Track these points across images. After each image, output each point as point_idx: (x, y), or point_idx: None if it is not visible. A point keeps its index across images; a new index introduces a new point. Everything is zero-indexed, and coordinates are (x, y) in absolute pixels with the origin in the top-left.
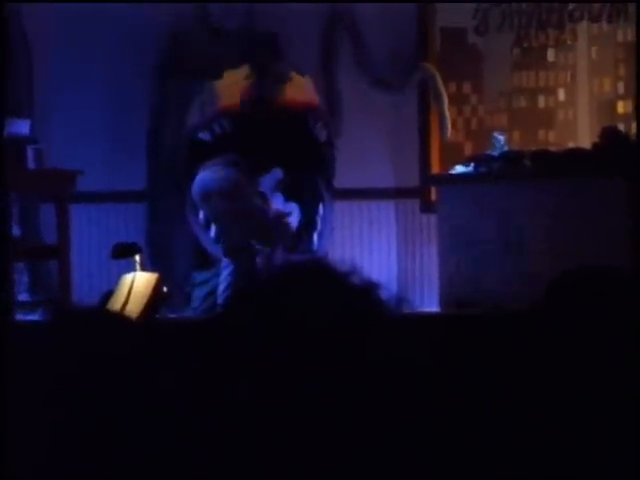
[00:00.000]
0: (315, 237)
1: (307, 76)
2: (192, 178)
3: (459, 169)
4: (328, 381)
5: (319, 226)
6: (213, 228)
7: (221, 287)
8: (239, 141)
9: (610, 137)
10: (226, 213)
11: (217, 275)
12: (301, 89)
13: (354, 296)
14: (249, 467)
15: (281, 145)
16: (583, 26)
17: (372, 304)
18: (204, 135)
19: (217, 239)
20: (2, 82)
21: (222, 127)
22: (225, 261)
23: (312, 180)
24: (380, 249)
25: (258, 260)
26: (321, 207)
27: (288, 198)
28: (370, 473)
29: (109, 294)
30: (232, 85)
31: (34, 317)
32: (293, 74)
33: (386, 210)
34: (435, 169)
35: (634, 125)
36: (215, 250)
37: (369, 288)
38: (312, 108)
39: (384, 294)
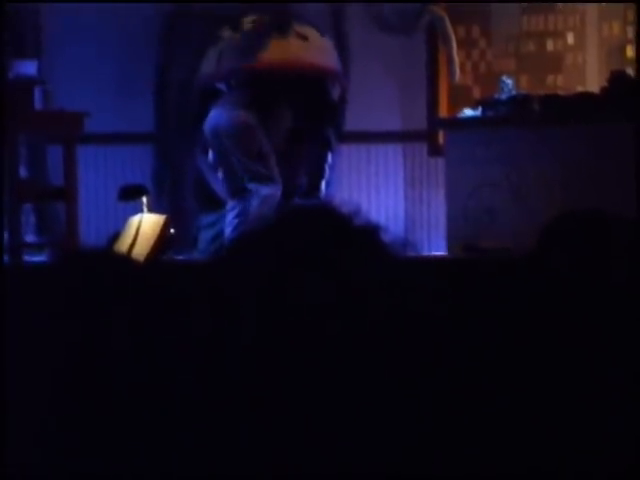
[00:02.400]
0: (323, 184)
1: (326, 37)
2: (203, 122)
3: (467, 113)
4: (330, 325)
5: (327, 174)
6: (221, 169)
7: (228, 229)
8: (255, 93)
9: (619, 81)
10: (234, 153)
11: (224, 217)
12: (320, 51)
13: (357, 237)
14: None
15: (296, 99)
16: None
17: (375, 246)
18: (220, 85)
19: (226, 179)
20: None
21: (239, 82)
22: (231, 204)
23: (322, 129)
24: (387, 192)
25: (264, 202)
26: (329, 156)
27: (299, 145)
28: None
29: (116, 235)
30: (252, 41)
31: (41, 258)
32: (312, 33)
33: (393, 153)
34: (443, 113)
35: None
36: (223, 191)
37: (372, 230)
38: (330, 72)
39: (388, 236)
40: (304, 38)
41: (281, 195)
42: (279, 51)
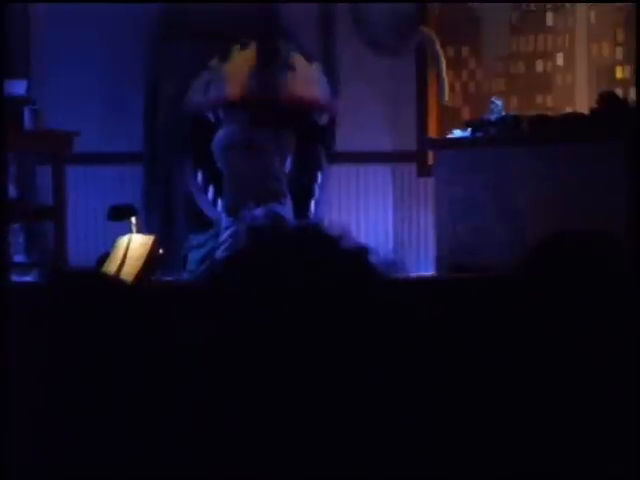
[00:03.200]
0: (312, 204)
1: (314, 63)
2: (192, 145)
3: (457, 133)
4: (318, 345)
5: (317, 194)
6: (211, 190)
7: (222, 248)
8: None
9: (608, 102)
10: (245, 168)
11: (213, 237)
12: (307, 83)
13: (344, 259)
14: (251, 420)
15: (284, 124)
16: None
17: (362, 267)
18: (208, 115)
19: (215, 201)
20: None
21: (227, 114)
22: (226, 221)
23: (312, 150)
24: (376, 213)
25: (259, 220)
26: (319, 176)
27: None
28: (366, 434)
29: (105, 256)
30: (238, 73)
31: (29, 278)
32: (300, 61)
33: (383, 174)
34: (432, 133)
35: (632, 90)
36: (212, 212)
37: (360, 252)
38: (316, 104)
39: (376, 257)
40: (292, 68)
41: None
42: (265, 84)
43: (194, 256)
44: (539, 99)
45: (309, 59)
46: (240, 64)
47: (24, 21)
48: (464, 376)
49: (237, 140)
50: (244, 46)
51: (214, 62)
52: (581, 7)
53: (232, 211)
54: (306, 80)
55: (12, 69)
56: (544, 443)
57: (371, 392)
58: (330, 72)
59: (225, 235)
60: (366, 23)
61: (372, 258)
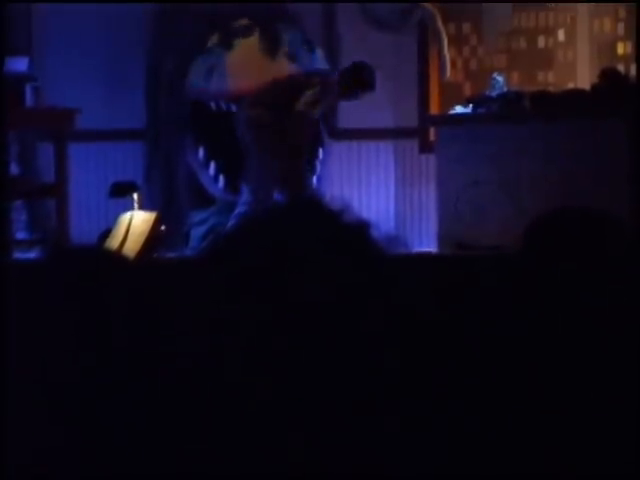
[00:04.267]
0: (314, 180)
1: (318, 49)
2: (193, 126)
3: (458, 109)
4: (321, 322)
5: (318, 169)
6: (212, 166)
7: (233, 219)
8: None
9: (610, 78)
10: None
11: (215, 214)
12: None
13: (346, 234)
14: (253, 406)
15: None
16: None
17: (363, 242)
18: (210, 104)
19: (216, 177)
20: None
21: (229, 107)
22: (246, 196)
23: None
24: (378, 189)
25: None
26: (321, 151)
27: None
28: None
29: (107, 233)
30: (242, 65)
31: (32, 255)
32: (302, 52)
33: (385, 150)
34: (434, 109)
35: (634, 66)
36: (213, 189)
37: (361, 225)
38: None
39: (377, 232)
40: (292, 59)
41: None
42: (267, 74)
43: (196, 233)
44: (541, 75)
45: (311, 48)
46: (243, 55)
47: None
48: (466, 355)
49: (267, 120)
50: (247, 33)
51: (215, 43)
52: None
53: (255, 189)
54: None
55: (14, 46)
56: (549, 429)
57: (372, 372)
58: (332, 50)
59: (236, 212)
60: (368, 5)
61: (373, 232)
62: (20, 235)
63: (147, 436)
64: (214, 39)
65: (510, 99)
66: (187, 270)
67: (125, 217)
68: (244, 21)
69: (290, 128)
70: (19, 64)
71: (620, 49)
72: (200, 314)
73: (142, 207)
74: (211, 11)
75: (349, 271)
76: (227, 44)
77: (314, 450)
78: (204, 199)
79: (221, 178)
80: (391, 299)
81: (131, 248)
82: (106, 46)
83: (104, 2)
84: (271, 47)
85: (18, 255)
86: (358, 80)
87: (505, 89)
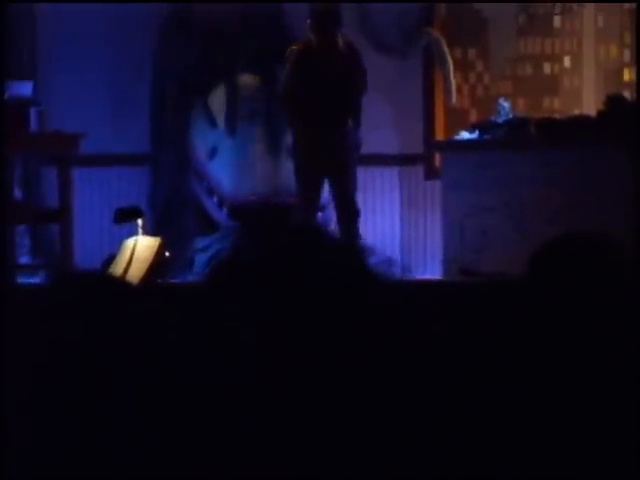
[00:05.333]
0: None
1: None
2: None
3: (464, 135)
4: (310, 346)
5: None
6: (216, 196)
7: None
8: None
9: (615, 105)
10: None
11: (219, 240)
12: None
13: (341, 259)
14: (259, 406)
15: None
16: None
17: (357, 267)
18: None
19: (220, 204)
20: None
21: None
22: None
23: None
24: (383, 215)
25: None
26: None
27: None
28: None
29: (111, 258)
30: (244, 165)
31: (35, 280)
32: None
33: (390, 176)
34: (439, 135)
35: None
36: (218, 215)
37: (355, 251)
38: None
39: (375, 257)
40: None
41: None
42: (266, 179)
43: (200, 259)
44: (546, 101)
45: None
46: (244, 150)
47: (30, 22)
48: (467, 379)
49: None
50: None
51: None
52: (589, 9)
53: (233, 213)
54: None
55: (18, 70)
56: (551, 446)
57: (367, 394)
58: None
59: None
60: (372, 26)
61: (371, 258)
62: (23, 260)
63: (144, 449)
64: (220, 90)
65: (516, 125)
66: (187, 296)
67: (129, 243)
68: (245, 78)
69: None
70: (23, 88)
71: (626, 75)
72: (200, 338)
73: (146, 233)
74: (215, 30)
75: (339, 298)
76: (231, 128)
77: (312, 453)
78: (208, 225)
79: (225, 205)
80: (386, 325)
81: (135, 274)
82: (111, 71)
83: (109, 22)
84: (274, 144)
85: (21, 280)
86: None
87: (511, 115)
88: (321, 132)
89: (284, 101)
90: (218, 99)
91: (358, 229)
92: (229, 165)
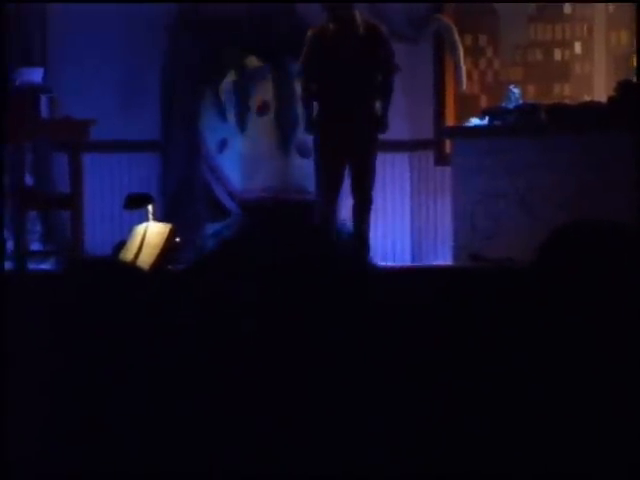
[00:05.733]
0: None
1: None
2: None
3: (474, 121)
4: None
5: None
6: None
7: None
8: None
9: (626, 90)
10: None
11: (229, 227)
12: None
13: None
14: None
15: None
16: None
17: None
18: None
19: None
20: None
21: None
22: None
23: None
24: (394, 201)
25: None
26: None
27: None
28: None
29: (121, 244)
30: (255, 161)
31: (46, 266)
32: None
33: (400, 162)
34: (450, 121)
35: None
36: (229, 203)
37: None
38: None
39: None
40: (303, 154)
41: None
42: (277, 175)
43: (210, 245)
44: (557, 88)
45: None
46: (255, 146)
47: (40, 9)
48: (474, 369)
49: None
50: (263, 109)
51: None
52: None
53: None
54: None
55: (29, 57)
56: (556, 438)
57: (374, 387)
58: None
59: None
60: (382, 13)
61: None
62: (35, 246)
63: (153, 434)
64: (229, 77)
65: (526, 111)
66: (179, 283)
67: (140, 229)
68: (253, 62)
69: None
70: (34, 75)
71: (637, 62)
72: (206, 321)
73: (157, 219)
74: (225, 21)
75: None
76: (242, 123)
77: (308, 452)
78: (219, 211)
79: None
80: (404, 311)
81: (145, 260)
82: (121, 57)
83: (119, 9)
84: (284, 140)
85: (33, 266)
86: None
87: (521, 101)
88: (342, 114)
89: (303, 86)
90: (228, 88)
91: (369, 218)
92: (239, 159)
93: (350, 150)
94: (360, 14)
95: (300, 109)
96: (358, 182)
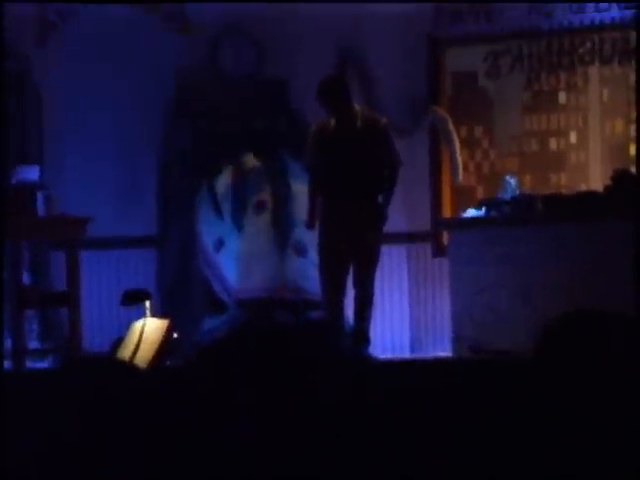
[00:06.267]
0: None
1: None
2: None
3: (471, 213)
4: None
5: None
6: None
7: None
8: None
9: (622, 179)
10: None
11: (227, 322)
12: None
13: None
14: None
15: None
16: (594, 68)
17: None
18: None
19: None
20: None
21: None
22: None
23: None
24: (392, 293)
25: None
26: None
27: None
28: None
29: (119, 341)
30: (251, 259)
31: (44, 364)
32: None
33: (397, 254)
34: (447, 213)
35: None
36: (226, 297)
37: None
38: None
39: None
40: (299, 252)
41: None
42: (274, 275)
43: (207, 341)
44: (553, 177)
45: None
46: (252, 245)
47: (37, 104)
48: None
49: None
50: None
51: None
52: (594, 85)
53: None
54: None
55: (25, 155)
56: None
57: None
58: None
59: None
60: (378, 105)
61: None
62: (32, 344)
63: None
64: (226, 175)
65: (523, 202)
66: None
67: (137, 325)
68: (251, 161)
69: None
70: (30, 173)
71: (632, 150)
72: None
73: (154, 314)
74: (222, 112)
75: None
76: (239, 223)
77: None
78: (217, 306)
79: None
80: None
81: (143, 356)
82: (118, 154)
83: (114, 104)
84: (281, 239)
85: (31, 365)
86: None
87: (518, 192)
88: (346, 211)
89: (309, 181)
90: (224, 186)
91: (370, 313)
92: (235, 258)
93: (354, 247)
94: (360, 108)
95: (297, 207)
96: (360, 277)
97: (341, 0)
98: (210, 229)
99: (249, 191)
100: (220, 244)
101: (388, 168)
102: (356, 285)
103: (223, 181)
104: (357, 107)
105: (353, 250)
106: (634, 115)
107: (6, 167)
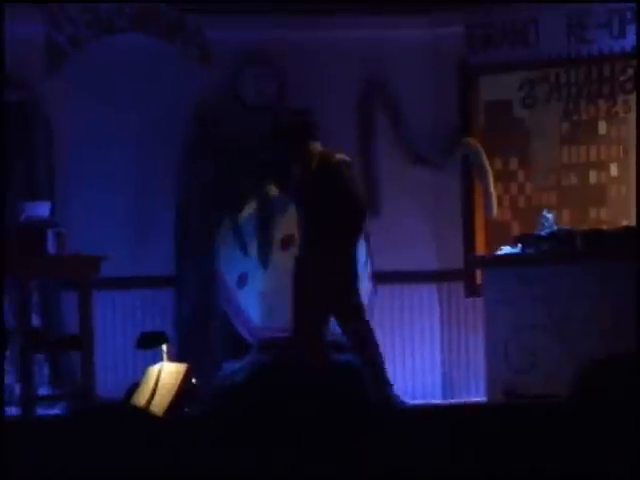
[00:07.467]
0: None
1: None
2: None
3: (506, 250)
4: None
5: None
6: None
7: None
8: None
9: None
10: None
11: (247, 366)
12: None
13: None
14: None
15: None
16: (636, 97)
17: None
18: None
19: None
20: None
21: None
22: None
23: None
24: (423, 335)
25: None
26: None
27: None
28: None
29: (135, 387)
30: (274, 298)
31: (55, 411)
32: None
33: (429, 294)
34: (480, 250)
35: None
36: (248, 336)
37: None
38: None
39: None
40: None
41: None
42: None
43: (227, 387)
44: (593, 212)
45: None
46: (276, 283)
47: (47, 137)
48: None
49: None
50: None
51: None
52: (633, 115)
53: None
54: None
55: (35, 191)
56: None
57: None
58: (370, 189)
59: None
60: (408, 137)
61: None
62: (43, 390)
63: None
64: (249, 208)
65: (561, 238)
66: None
67: (154, 370)
68: (274, 192)
69: None
70: (40, 209)
71: None
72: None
73: (171, 358)
74: (239, 151)
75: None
76: (264, 259)
77: None
78: (238, 348)
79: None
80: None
81: (160, 403)
82: (133, 189)
83: (128, 139)
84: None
85: (41, 412)
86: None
87: (555, 227)
88: (316, 261)
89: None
90: (248, 219)
91: (375, 340)
92: (258, 296)
93: (332, 308)
94: (322, 147)
95: None
96: (347, 331)
97: (364, 26)
98: (233, 264)
99: (275, 224)
100: (243, 280)
101: (349, 214)
102: (355, 347)
103: (247, 214)
104: (315, 147)
105: (332, 310)
106: None
107: (10, 202)
